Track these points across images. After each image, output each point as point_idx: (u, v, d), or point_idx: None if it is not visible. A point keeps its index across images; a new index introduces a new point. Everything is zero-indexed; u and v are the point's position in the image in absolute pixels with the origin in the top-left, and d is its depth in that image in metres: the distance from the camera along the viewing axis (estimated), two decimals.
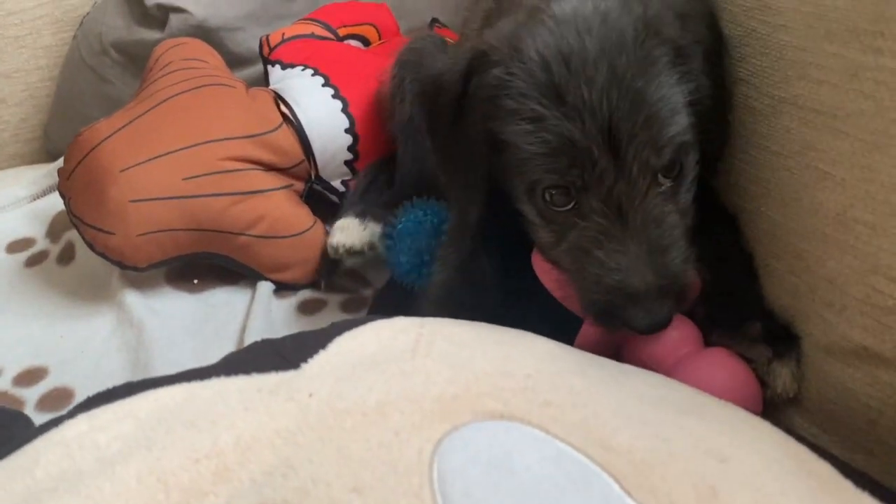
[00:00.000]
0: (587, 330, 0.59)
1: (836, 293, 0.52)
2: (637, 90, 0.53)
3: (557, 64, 0.54)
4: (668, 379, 0.50)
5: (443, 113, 0.63)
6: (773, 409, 0.58)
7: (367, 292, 0.88)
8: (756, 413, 0.54)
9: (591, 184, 0.54)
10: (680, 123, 0.55)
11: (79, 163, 0.83)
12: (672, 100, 0.54)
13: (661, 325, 0.55)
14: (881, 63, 0.48)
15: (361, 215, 0.86)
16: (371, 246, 0.84)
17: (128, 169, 0.81)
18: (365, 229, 0.84)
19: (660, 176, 0.55)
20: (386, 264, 0.83)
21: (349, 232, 0.84)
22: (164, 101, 0.87)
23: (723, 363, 0.57)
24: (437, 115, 0.65)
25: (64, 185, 0.85)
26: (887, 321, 0.48)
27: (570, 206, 0.57)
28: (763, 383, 0.56)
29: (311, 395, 0.41)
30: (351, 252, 0.84)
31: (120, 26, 1.23)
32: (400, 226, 0.81)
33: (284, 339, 0.48)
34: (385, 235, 0.83)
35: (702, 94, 0.57)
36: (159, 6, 1.17)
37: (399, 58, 0.91)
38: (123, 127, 0.84)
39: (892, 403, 0.49)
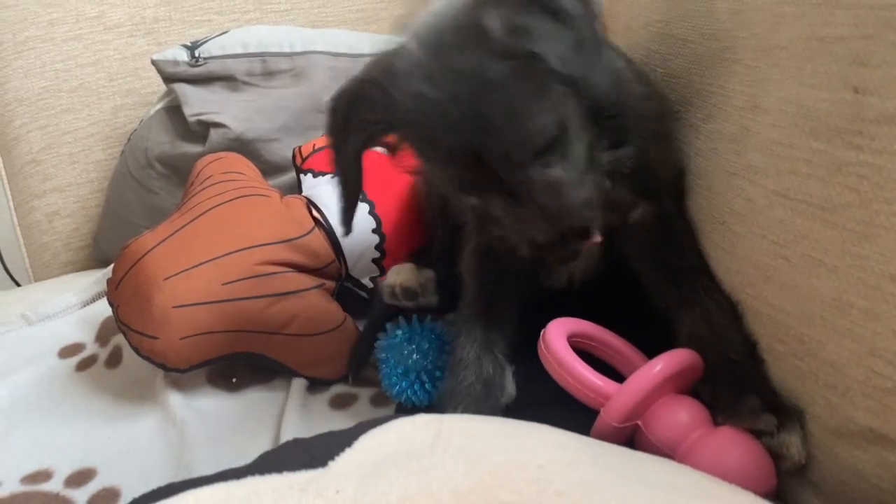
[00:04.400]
0: (602, 420, 0.62)
1: (838, 376, 0.54)
2: (483, 114, 0.59)
3: (414, 105, 0.62)
4: (678, 465, 0.52)
5: None
6: (791, 492, 0.60)
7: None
8: (771, 488, 0.56)
9: (478, 184, 0.63)
10: (533, 119, 0.60)
11: (126, 273, 0.89)
12: (519, 106, 0.59)
13: (574, 258, 0.64)
14: (862, 159, 0.51)
15: (418, 261, 0.90)
16: (424, 290, 0.87)
17: (171, 277, 0.86)
18: (420, 272, 0.88)
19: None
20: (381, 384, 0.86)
21: (405, 273, 0.87)
22: (205, 212, 0.94)
23: (734, 442, 0.58)
24: None
25: (112, 294, 0.91)
26: (888, 402, 0.50)
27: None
28: (776, 456, 0.58)
29: (337, 492, 0.44)
30: (407, 292, 0.86)
31: (164, 141, 1.32)
32: (386, 344, 0.84)
33: (314, 438, 0.52)
34: (377, 352, 0.85)
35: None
36: (200, 122, 1.26)
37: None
38: (167, 238, 0.90)
39: None
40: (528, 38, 0.60)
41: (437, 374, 0.81)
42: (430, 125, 0.61)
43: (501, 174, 0.61)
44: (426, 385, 0.81)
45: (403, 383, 0.82)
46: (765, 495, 0.54)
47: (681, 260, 0.72)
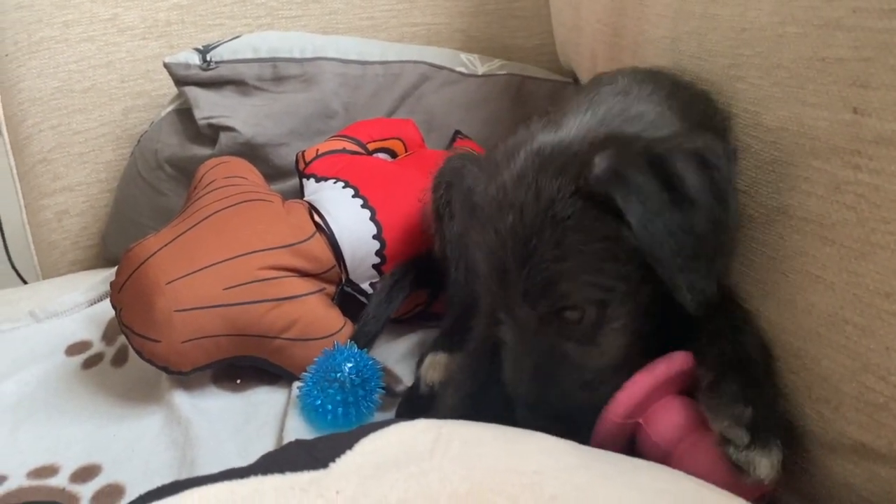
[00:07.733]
0: (606, 415, 0.62)
1: (831, 390, 0.55)
2: (529, 248, 0.59)
3: (483, 205, 0.64)
4: (674, 471, 0.52)
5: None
6: None
7: (400, 388, 0.92)
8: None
9: (499, 305, 0.64)
10: (573, 284, 0.59)
11: (129, 277, 0.90)
12: (566, 264, 0.58)
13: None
14: (860, 178, 0.52)
15: (450, 350, 0.88)
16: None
17: (173, 281, 0.87)
18: (452, 359, 0.87)
19: (565, 315, 0.61)
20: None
21: (441, 369, 0.87)
22: (207, 217, 0.95)
23: None
24: None
25: (115, 298, 0.91)
26: (880, 417, 0.51)
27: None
28: (739, 469, 0.55)
29: (338, 493, 0.45)
30: (444, 385, 0.86)
31: (174, 144, 1.33)
32: (318, 360, 0.87)
33: (316, 439, 0.53)
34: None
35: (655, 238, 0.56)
36: (210, 125, 1.27)
37: (438, 179, 0.95)
38: (169, 242, 0.91)
39: (892, 500, 0.51)
40: (622, 189, 0.56)
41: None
42: (488, 218, 0.62)
43: (516, 308, 0.61)
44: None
45: (307, 395, 0.85)
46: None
47: None
